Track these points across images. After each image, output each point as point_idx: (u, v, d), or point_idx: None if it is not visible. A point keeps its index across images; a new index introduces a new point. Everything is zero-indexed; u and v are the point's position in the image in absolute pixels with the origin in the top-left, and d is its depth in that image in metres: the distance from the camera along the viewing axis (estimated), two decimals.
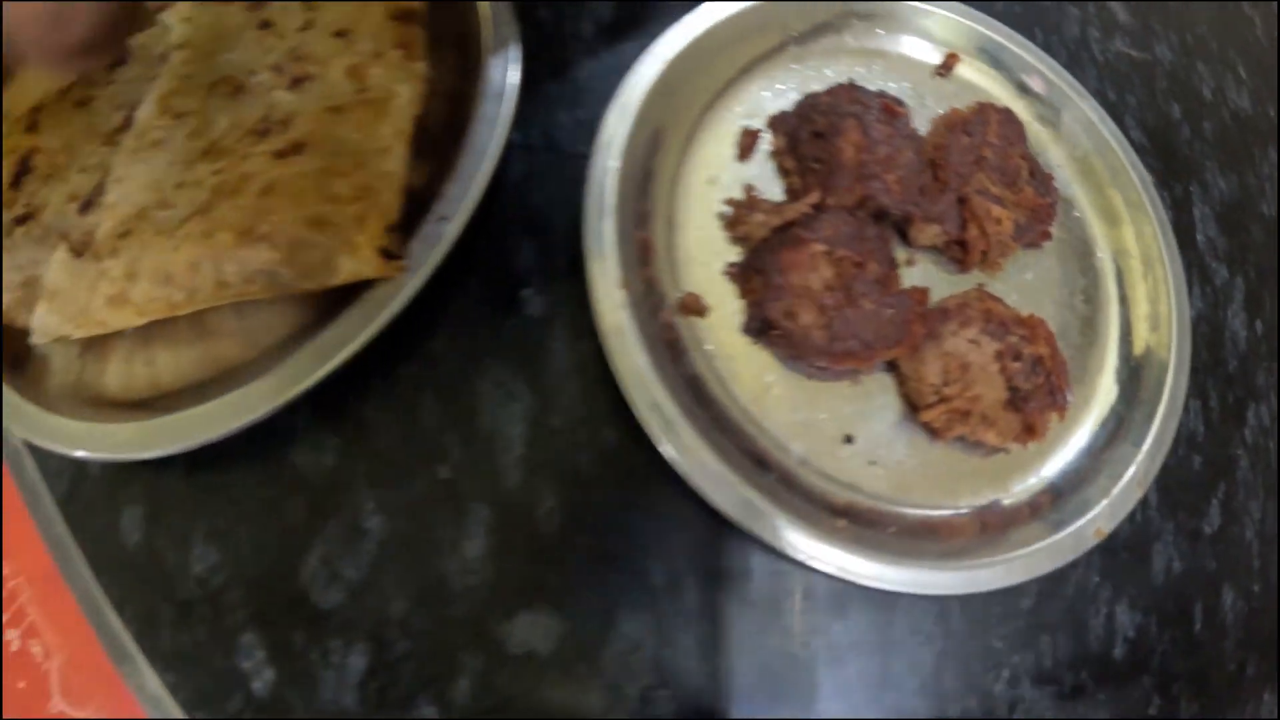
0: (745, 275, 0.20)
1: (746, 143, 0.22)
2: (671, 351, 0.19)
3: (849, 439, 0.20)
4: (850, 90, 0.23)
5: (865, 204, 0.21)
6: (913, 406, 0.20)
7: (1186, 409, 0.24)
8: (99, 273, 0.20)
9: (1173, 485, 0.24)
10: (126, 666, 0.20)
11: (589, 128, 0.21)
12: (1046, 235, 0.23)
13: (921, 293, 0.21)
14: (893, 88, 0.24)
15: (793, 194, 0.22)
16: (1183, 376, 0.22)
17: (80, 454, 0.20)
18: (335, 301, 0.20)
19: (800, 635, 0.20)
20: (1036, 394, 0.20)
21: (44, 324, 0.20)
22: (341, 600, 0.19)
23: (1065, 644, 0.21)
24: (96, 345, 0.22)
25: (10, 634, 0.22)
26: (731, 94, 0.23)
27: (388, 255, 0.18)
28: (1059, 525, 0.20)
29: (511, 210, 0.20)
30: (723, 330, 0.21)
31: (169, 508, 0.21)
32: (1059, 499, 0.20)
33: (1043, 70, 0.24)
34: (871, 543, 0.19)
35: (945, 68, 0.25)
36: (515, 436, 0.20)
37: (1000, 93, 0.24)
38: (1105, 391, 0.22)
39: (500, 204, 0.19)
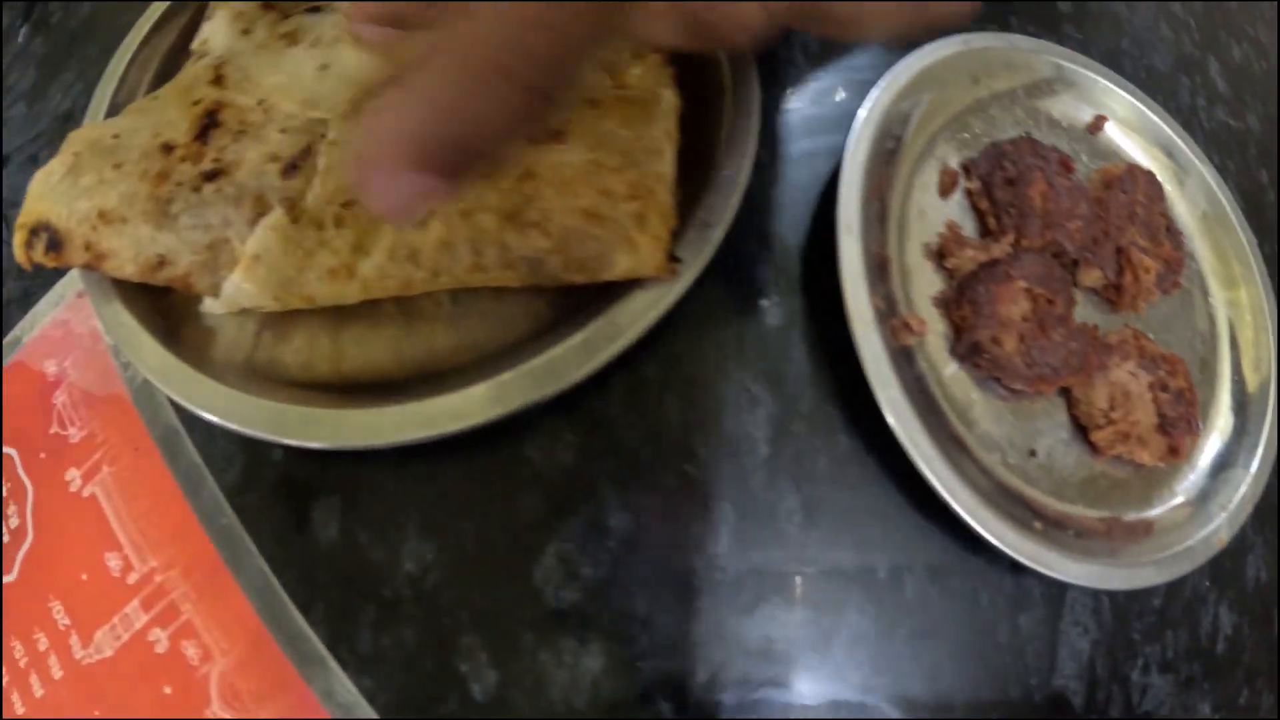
0: (955, 304, 0.23)
1: (947, 182, 0.25)
2: (902, 364, 0.21)
3: (1033, 453, 0.23)
4: (1030, 144, 0.26)
5: (1049, 247, 0.24)
6: (1082, 427, 0.23)
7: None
8: (319, 242, 0.19)
9: (1262, 505, 0.28)
10: (313, 670, 0.19)
11: (816, 146, 0.22)
12: (1177, 284, 0.27)
13: (1093, 328, 0.24)
14: (1051, 141, 0.27)
15: (989, 233, 0.24)
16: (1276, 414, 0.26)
17: (291, 442, 0.18)
18: (561, 295, 0.20)
19: (994, 623, 0.22)
20: (1179, 421, 0.24)
21: (237, 292, 0.19)
22: (578, 599, 0.19)
23: (1184, 639, 0.25)
24: (279, 321, 0.21)
25: (157, 633, 0.20)
26: (942, 135, 0.25)
27: (672, 257, 0.18)
28: (1192, 534, 0.23)
29: (748, 224, 0.21)
30: (931, 350, 0.23)
31: (374, 500, 0.20)
32: (1192, 511, 0.24)
33: (1172, 136, 0.28)
34: (1059, 541, 0.21)
35: (1095, 128, 0.28)
36: (760, 439, 0.20)
37: (1139, 154, 0.28)
38: (1222, 421, 0.26)
39: (739, 217, 0.20)
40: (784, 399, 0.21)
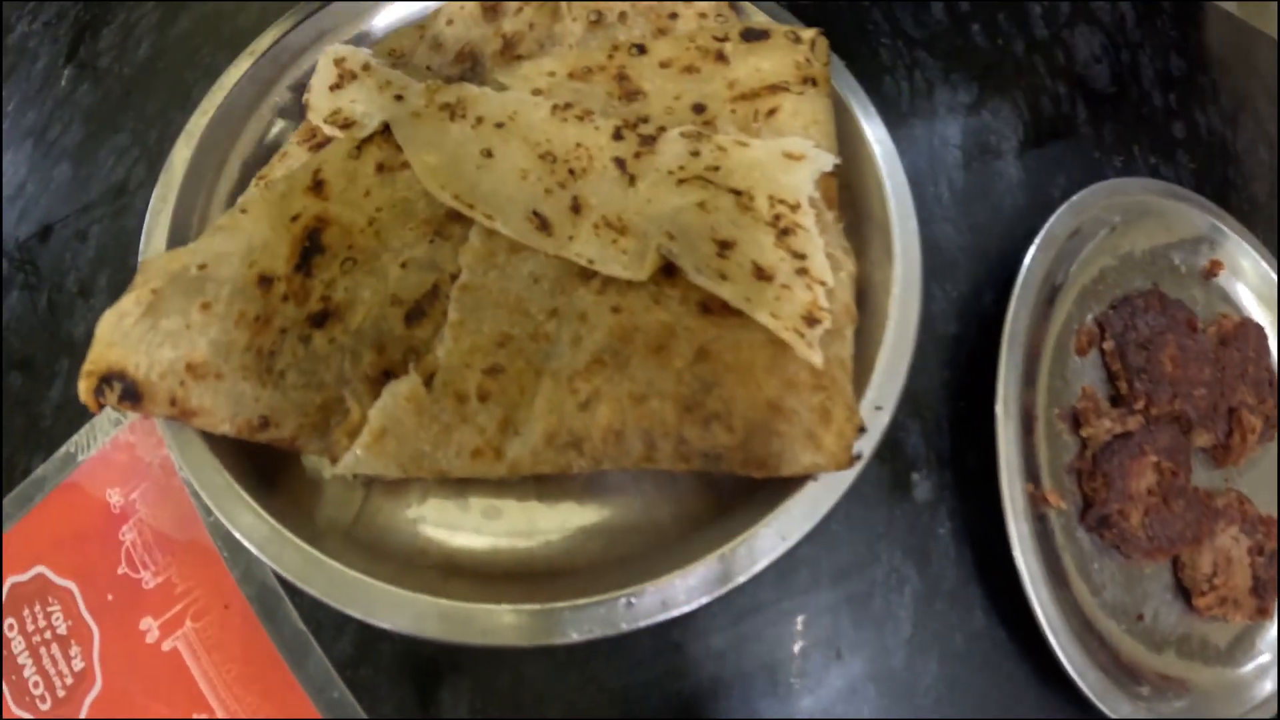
0: (1090, 476, 0.23)
1: (1084, 341, 0.25)
2: (1040, 536, 0.21)
3: (1140, 617, 0.24)
4: (1160, 298, 0.27)
5: (1178, 416, 0.25)
6: (1186, 590, 0.25)
7: None
8: (460, 417, 0.17)
9: None
10: None
11: (960, 305, 0.22)
12: (1273, 437, 0.28)
13: (1205, 495, 0.25)
14: (1176, 293, 0.28)
15: (1122, 399, 0.25)
16: None
17: (434, 638, 0.17)
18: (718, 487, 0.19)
19: None
20: (1270, 583, 0.26)
21: (358, 464, 0.17)
22: None
23: None
24: (390, 483, 0.19)
25: None
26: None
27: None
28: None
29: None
30: (1060, 519, 0.23)
31: (510, 681, 0.19)
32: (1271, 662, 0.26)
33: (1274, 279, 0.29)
34: (1158, 708, 0.23)
35: (1210, 273, 0.29)
36: (904, 618, 0.21)
37: (1249, 301, 0.29)
38: None
39: None
40: (929, 577, 0.21)
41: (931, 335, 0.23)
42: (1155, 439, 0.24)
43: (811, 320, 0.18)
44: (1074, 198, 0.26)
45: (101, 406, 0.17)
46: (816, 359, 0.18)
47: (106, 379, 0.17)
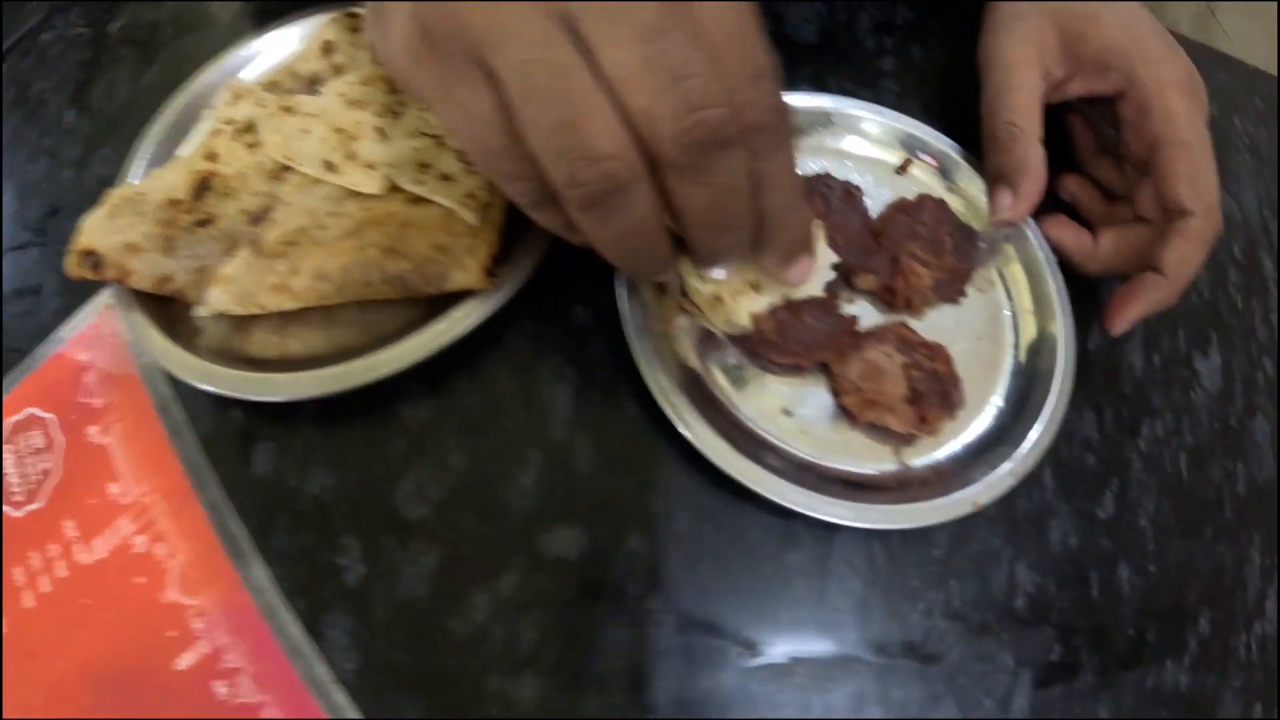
0: None
1: None
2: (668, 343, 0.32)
3: (787, 412, 0.33)
4: (823, 177, 0.37)
5: None
6: (836, 394, 0.33)
7: (1081, 417, 0.37)
8: (267, 267, 0.32)
9: (1068, 475, 0.35)
10: (240, 561, 0.31)
11: None
12: (962, 293, 0.37)
13: (852, 319, 0.34)
14: (858, 179, 0.38)
15: None
16: (1064, 398, 0.34)
17: (236, 394, 0.31)
18: (433, 309, 0.32)
19: (762, 559, 0.31)
20: (931, 396, 0.33)
21: (216, 300, 0.32)
22: (425, 514, 0.30)
23: (971, 589, 0.32)
24: (243, 324, 0.33)
25: (139, 539, 0.32)
26: None
27: (489, 274, 0.30)
28: (945, 492, 0.31)
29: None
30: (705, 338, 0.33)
31: (296, 444, 0.32)
32: (946, 476, 0.32)
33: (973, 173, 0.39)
34: (808, 483, 0.30)
35: (903, 168, 0.39)
36: (562, 405, 0.31)
37: (940, 189, 0.39)
38: (992, 407, 0.35)
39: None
40: (585, 377, 0.32)
41: None
42: None
43: (471, 196, 0.32)
44: None
45: (79, 277, 0.33)
46: (472, 219, 0.31)
47: (84, 254, 0.33)
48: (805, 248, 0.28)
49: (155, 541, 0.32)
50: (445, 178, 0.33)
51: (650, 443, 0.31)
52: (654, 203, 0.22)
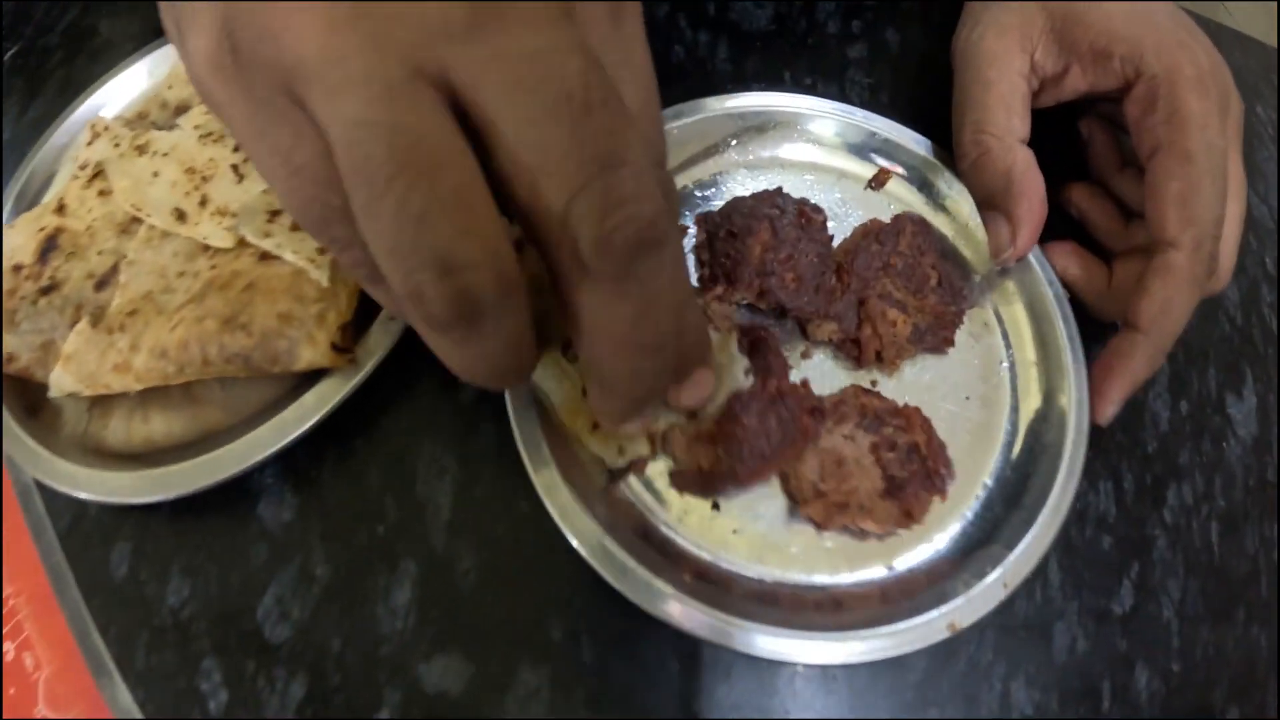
0: None
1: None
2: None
3: (735, 531, 0.26)
4: (773, 195, 0.29)
5: (764, 298, 0.27)
6: (794, 501, 0.26)
7: (1095, 490, 0.29)
8: (109, 343, 0.28)
9: (1078, 565, 0.29)
10: (104, 681, 0.27)
11: None
12: (949, 341, 0.28)
13: (812, 399, 0.26)
14: (819, 197, 0.30)
15: (701, 285, 0.28)
16: (1074, 478, 0.27)
17: (82, 495, 0.27)
18: (305, 380, 0.27)
19: (688, 696, 0.25)
20: (913, 480, 0.25)
21: (60, 382, 0.28)
22: (288, 636, 0.26)
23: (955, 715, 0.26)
24: (102, 403, 0.30)
25: (8, 645, 0.29)
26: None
27: (339, 349, 0.25)
28: (916, 611, 0.24)
29: None
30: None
31: (153, 546, 0.28)
32: (916, 587, 0.25)
33: (962, 186, 0.30)
34: (738, 605, 0.24)
35: (877, 182, 0.31)
36: (443, 504, 0.26)
37: (923, 206, 0.30)
38: (983, 490, 0.27)
39: None
40: (468, 469, 0.26)
41: None
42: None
43: (323, 251, 0.26)
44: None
45: None
46: (323, 279, 0.26)
47: None
48: (700, 359, 0.21)
49: (24, 650, 0.30)
50: (295, 227, 0.27)
51: (547, 550, 0.26)
52: (527, 322, 0.17)
